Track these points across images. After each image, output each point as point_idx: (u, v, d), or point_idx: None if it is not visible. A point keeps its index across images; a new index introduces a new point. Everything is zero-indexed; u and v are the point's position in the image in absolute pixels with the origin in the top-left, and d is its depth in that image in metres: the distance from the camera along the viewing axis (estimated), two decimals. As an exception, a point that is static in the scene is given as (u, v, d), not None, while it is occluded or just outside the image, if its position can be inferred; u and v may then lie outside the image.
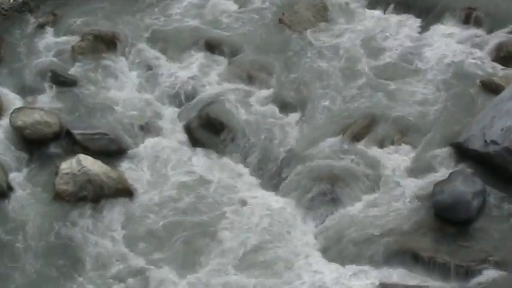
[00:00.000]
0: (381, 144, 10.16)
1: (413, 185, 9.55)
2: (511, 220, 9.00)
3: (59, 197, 9.61)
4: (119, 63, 11.71)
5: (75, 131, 10.31)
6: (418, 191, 9.46)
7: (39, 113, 10.40)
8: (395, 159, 9.97)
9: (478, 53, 11.46)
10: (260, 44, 11.93)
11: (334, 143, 10.15)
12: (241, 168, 10.21)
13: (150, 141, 10.60)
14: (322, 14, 12.42)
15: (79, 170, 9.64)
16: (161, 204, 9.68)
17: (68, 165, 9.71)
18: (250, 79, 11.23)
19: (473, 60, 11.29)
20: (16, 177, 9.97)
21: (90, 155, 9.92)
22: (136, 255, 9.04)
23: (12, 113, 10.44)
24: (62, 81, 11.20)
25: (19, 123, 10.27)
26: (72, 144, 10.26)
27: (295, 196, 9.68)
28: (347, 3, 12.78)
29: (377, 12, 12.57)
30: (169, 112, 11.05)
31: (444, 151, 9.90)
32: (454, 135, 10.06)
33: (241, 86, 11.14)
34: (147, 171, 10.17)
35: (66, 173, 9.65)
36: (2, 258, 8.98)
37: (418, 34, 11.99)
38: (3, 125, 10.47)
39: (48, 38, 12.18)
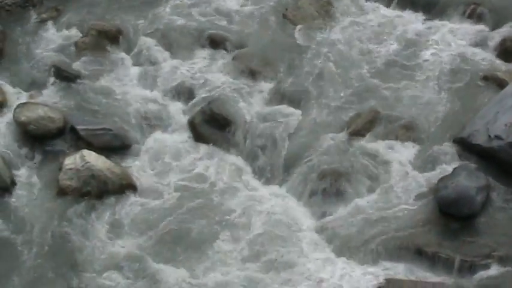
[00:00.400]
0: (385, 139, 10.13)
1: (417, 180, 9.55)
2: (515, 215, 9.03)
3: (62, 192, 9.62)
4: (123, 58, 11.70)
5: (78, 127, 10.31)
6: (422, 186, 9.46)
7: (43, 109, 10.39)
8: (399, 154, 9.95)
9: (482, 48, 11.45)
10: (264, 40, 11.92)
11: (337, 138, 10.14)
12: (244, 163, 10.22)
13: (153, 137, 10.60)
14: (326, 9, 12.39)
15: (83, 166, 9.65)
16: (165, 200, 9.69)
17: (71, 161, 9.72)
18: (254, 74, 11.21)
19: (477, 55, 11.28)
20: (20, 173, 9.98)
21: (94, 151, 9.94)
22: (139, 252, 9.05)
23: (15, 108, 10.45)
24: (65, 77, 11.18)
25: (23, 118, 10.27)
26: (76, 139, 10.26)
27: (299, 192, 9.70)
28: (351, -2, 12.80)
29: (381, 8, 12.52)
30: (173, 107, 11.03)
31: (448, 146, 9.89)
32: (457, 130, 10.06)
33: (245, 81, 11.12)
34: (150, 166, 10.17)
35: (70, 169, 9.66)
36: (6, 254, 9.00)
37: (422, 29, 11.95)
38: (7, 120, 10.47)
39: (52, 34, 12.15)
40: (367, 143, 10.11)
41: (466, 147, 9.77)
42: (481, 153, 9.58)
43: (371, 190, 9.61)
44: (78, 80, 11.16)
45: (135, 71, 11.57)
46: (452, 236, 8.84)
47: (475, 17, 11.96)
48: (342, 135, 10.18)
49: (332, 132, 10.27)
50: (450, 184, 9.06)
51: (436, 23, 12.09)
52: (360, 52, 11.58)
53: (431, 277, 8.59)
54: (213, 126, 10.54)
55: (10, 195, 9.69)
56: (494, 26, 11.73)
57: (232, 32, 12.08)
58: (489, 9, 11.94)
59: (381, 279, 8.60)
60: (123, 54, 11.79)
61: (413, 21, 12.18)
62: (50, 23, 12.35)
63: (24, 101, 10.77)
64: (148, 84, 11.36)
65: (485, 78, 10.83)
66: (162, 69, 11.51)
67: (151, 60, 11.68)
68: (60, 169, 9.74)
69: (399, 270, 8.69)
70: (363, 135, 10.18)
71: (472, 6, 12.02)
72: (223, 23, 12.31)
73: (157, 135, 10.64)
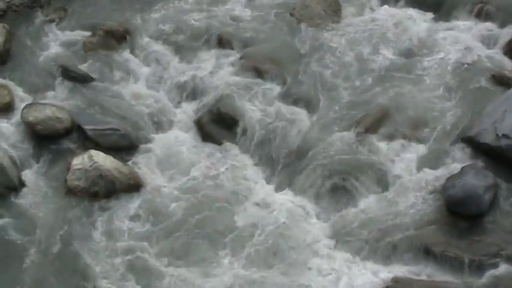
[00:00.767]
0: (393, 138, 10.12)
1: (425, 179, 9.53)
2: (523, 214, 9.01)
3: (70, 192, 9.65)
4: (130, 58, 11.71)
5: (86, 127, 10.33)
6: (430, 185, 9.44)
7: (50, 109, 10.41)
8: (407, 153, 9.94)
9: (490, 46, 11.45)
10: (271, 39, 11.90)
11: (346, 136, 10.13)
12: (252, 162, 10.22)
13: (161, 137, 10.62)
14: (333, 8, 12.38)
15: (91, 166, 9.67)
16: (173, 200, 9.69)
17: (79, 161, 9.75)
18: (261, 73, 11.20)
19: (484, 54, 11.26)
20: (28, 173, 10.01)
21: (102, 151, 9.97)
22: (148, 251, 9.07)
23: (23, 108, 10.47)
24: (73, 77, 11.20)
25: (30, 118, 10.29)
26: (84, 139, 10.28)
27: (307, 190, 9.70)
28: (358, -3, 12.79)
29: (389, 6, 12.52)
30: (180, 107, 11.06)
31: (456, 145, 9.88)
32: (465, 129, 10.04)
33: (253, 80, 11.11)
34: (158, 166, 10.18)
35: (78, 169, 9.68)
36: (15, 254, 9.01)
37: (430, 28, 11.94)
38: (14, 121, 10.49)
39: (59, 34, 12.17)
40: (376, 142, 10.09)
41: (473, 146, 9.75)
42: (489, 152, 9.56)
43: (379, 188, 9.60)
44: (86, 80, 11.17)
45: (142, 70, 11.59)
46: (460, 235, 8.83)
47: (482, 15, 11.95)
48: (351, 133, 10.16)
49: (341, 130, 10.26)
50: (458, 183, 9.05)
51: (444, 21, 12.08)
52: (367, 51, 11.56)
53: (439, 276, 8.59)
54: (220, 125, 10.56)
55: (18, 195, 9.71)
56: (502, 25, 11.71)
57: (239, 31, 12.08)
58: (497, 8, 11.92)
59: (389, 278, 8.60)
60: (130, 54, 11.80)
61: (421, 20, 12.16)
62: (57, 23, 12.37)
63: (32, 101, 10.80)
64: (156, 84, 11.38)
65: (493, 77, 10.81)
66: (169, 69, 11.54)
67: (159, 60, 11.70)
68: (68, 169, 9.77)
69: (407, 268, 8.71)
70: (372, 134, 10.16)
71: (480, 5, 12.02)
72: (231, 22, 12.31)
73: (165, 134, 10.66)
